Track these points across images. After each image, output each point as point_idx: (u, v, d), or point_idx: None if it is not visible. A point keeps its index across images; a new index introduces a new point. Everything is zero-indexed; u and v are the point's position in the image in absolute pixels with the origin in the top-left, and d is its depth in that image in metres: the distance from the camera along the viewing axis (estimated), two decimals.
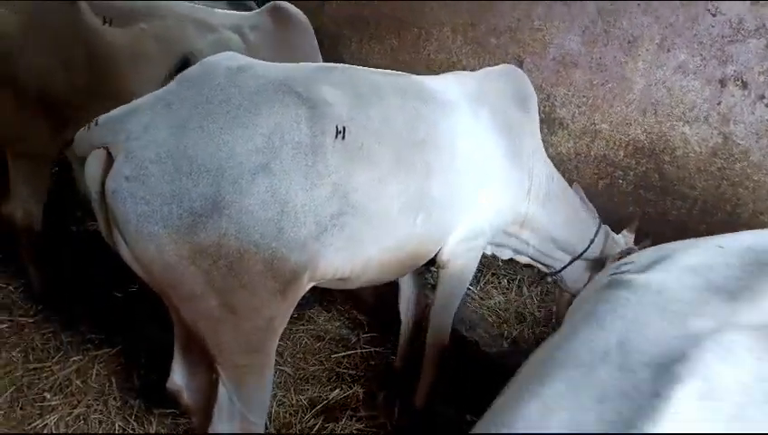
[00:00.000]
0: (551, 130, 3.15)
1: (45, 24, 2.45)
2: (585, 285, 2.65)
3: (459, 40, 3.51)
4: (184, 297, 1.60)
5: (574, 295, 2.73)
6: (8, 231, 2.88)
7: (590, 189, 3.03)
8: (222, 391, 1.77)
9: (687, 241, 1.31)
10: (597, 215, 2.61)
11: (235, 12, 3.08)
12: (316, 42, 3.17)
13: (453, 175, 2.03)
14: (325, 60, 3.42)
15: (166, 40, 2.63)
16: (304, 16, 3.12)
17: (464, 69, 3.54)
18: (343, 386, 2.93)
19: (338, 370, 3.05)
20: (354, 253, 1.83)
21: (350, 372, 3.03)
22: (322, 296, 3.39)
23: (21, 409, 2.67)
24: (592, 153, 3.06)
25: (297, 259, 1.67)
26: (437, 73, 3.68)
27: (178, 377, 1.99)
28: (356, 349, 3.18)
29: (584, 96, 3.01)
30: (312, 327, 3.33)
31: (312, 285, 1.84)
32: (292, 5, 3.07)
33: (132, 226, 1.47)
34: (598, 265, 2.62)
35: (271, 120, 1.60)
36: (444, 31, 3.58)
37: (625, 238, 2.65)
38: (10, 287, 3.30)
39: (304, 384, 2.93)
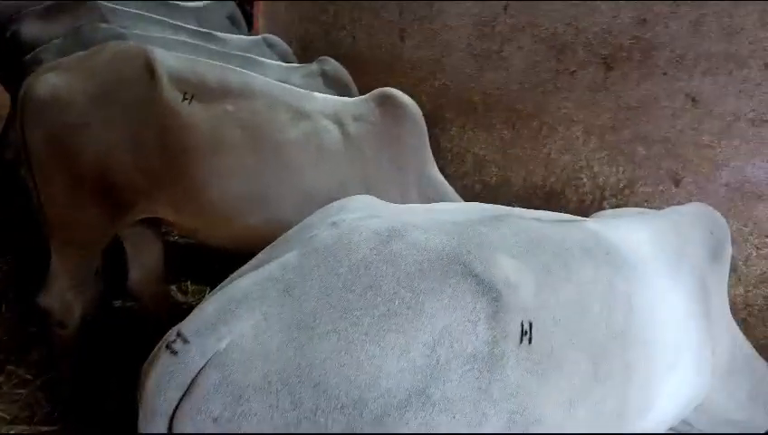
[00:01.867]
0: None
1: (118, 95, 2.02)
2: None
3: (593, 142, 2.92)
4: None
5: None
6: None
7: (761, 351, 2.33)
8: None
9: None
10: None
11: (336, 97, 2.61)
12: (428, 140, 2.65)
13: (652, 371, 1.42)
14: None
15: (252, 126, 2.16)
16: (418, 109, 2.61)
17: (595, 176, 2.95)
18: None
19: None
20: None
21: None
22: None
23: None
24: None
25: None
26: (558, 177, 3.13)
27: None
28: None
29: (767, 236, 2.35)
30: None
31: None
32: (405, 94, 2.57)
33: None
34: None
35: (438, 320, 1.02)
36: (572, 130, 3.01)
37: None
38: (37, 382, 2.80)
39: None
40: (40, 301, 2.32)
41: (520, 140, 3.30)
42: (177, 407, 0.90)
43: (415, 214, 1.22)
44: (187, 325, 0.95)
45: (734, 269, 2.48)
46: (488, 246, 1.18)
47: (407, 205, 1.35)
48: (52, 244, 2.22)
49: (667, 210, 1.82)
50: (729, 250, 1.86)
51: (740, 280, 2.44)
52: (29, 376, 2.80)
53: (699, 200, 2.50)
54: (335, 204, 1.23)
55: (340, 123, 2.39)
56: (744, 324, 2.45)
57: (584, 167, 2.99)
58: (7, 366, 2.83)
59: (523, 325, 1.11)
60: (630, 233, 1.59)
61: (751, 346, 2.02)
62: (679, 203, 2.59)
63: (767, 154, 2.30)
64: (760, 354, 2.09)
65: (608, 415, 1.26)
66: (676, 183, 2.59)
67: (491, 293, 1.08)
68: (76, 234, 2.19)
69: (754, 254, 2.39)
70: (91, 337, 2.72)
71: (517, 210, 1.48)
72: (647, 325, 1.42)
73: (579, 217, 1.61)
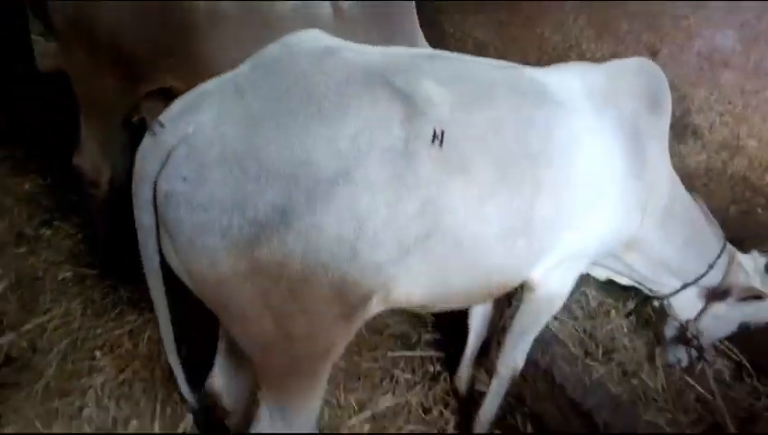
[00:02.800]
0: (680, 137, 2.66)
1: None
2: (699, 316, 2.33)
3: (581, 20, 3.02)
4: (235, 317, 1.36)
5: (683, 325, 2.37)
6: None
7: (718, 214, 2.55)
8: (263, 408, 1.56)
9: None
10: (722, 234, 2.25)
11: None
12: (416, 14, 2.79)
13: (565, 193, 1.68)
14: (424, 29, 3.04)
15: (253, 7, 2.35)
16: None
17: (582, 55, 3.06)
18: (396, 391, 2.70)
19: (393, 371, 2.82)
20: (437, 281, 1.53)
21: (406, 375, 2.79)
22: None
23: (72, 364, 2.63)
24: (729, 172, 2.55)
25: (370, 284, 1.40)
26: (550, 56, 3.24)
27: (219, 379, 1.80)
28: (416, 350, 2.93)
29: (731, 103, 2.49)
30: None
31: (381, 309, 1.57)
32: None
33: (185, 235, 1.23)
34: (718, 294, 2.25)
35: (360, 118, 1.29)
36: (564, 10, 3.09)
37: (755, 262, 2.26)
38: (78, 236, 3.27)
39: (355, 382, 2.72)
40: (74, 161, 2.69)
41: (516, 21, 3.39)
42: (158, 174, 1.23)
43: (358, 47, 1.46)
44: (164, 115, 1.26)
45: (699, 136, 2.64)
46: (415, 70, 1.43)
47: (361, 45, 1.57)
48: (81, 112, 2.56)
49: (609, 63, 1.97)
50: (668, 104, 2.01)
51: (704, 147, 2.61)
52: (72, 231, 3.28)
53: (673, 69, 2.62)
54: (289, 34, 1.47)
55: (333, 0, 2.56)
56: (705, 189, 2.65)
57: (573, 45, 3.10)
58: (54, 222, 3.30)
59: (435, 131, 1.38)
60: (564, 79, 1.79)
61: (692, 199, 2.22)
62: None
63: (734, 22, 2.39)
64: (718, 216, 2.30)
65: (515, 215, 1.54)
66: (654, 54, 2.70)
67: (406, 101, 1.34)
68: (98, 102, 2.51)
69: (718, 121, 2.54)
70: (121, 203, 3.14)
71: (467, 56, 1.69)
72: (563, 153, 1.65)
73: (522, 66, 1.81)
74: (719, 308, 2.28)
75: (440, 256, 1.48)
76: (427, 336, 3.03)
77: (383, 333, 3.02)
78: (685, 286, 2.27)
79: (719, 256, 2.24)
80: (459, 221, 1.46)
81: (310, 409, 1.57)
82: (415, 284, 1.50)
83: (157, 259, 1.31)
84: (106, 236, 3.00)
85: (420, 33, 2.84)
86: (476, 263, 1.53)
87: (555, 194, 1.64)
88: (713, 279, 2.26)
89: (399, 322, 3.11)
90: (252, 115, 1.24)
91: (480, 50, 3.68)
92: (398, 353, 2.90)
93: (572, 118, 1.69)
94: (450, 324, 2.86)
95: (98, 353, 2.68)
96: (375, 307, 1.51)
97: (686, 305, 2.34)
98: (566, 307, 2.99)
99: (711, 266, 2.23)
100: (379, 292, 1.44)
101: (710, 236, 2.25)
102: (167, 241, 1.27)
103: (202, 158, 1.20)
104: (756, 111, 2.40)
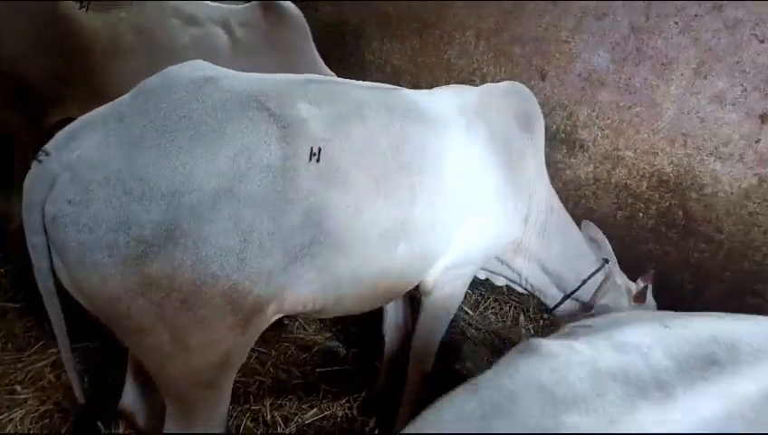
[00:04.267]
0: (570, 151, 2.92)
1: (22, 7, 2.32)
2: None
3: (482, 46, 3.28)
4: (131, 331, 1.45)
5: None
6: None
7: (607, 220, 2.82)
8: (168, 420, 1.63)
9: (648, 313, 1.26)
10: (601, 258, 2.37)
11: (223, 5, 2.89)
12: (312, 42, 2.97)
13: (441, 199, 1.84)
14: (346, 57, 3.23)
15: (145, 31, 2.47)
16: (300, 13, 2.91)
17: (485, 77, 3.32)
18: (323, 405, 2.80)
19: (321, 385, 2.91)
20: (326, 285, 1.66)
21: (333, 389, 2.89)
22: None
23: None
24: (613, 181, 2.82)
25: (261, 292, 1.51)
26: (456, 80, 3.49)
27: (130, 399, 1.86)
28: (343, 365, 3.04)
29: (609, 118, 2.77)
30: (300, 336, 3.20)
31: (278, 317, 1.68)
32: (288, 1, 2.86)
33: (74, 255, 1.32)
34: (586, 308, 2.39)
35: (237, 139, 1.43)
36: (467, 35, 3.36)
37: (638, 288, 2.38)
38: (1, 270, 3.23)
39: (282, 398, 2.80)
40: None
41: (426, 48, 3.63)
42: (45, 199, 1.32)
43: (236, 75, 1.60)
44: (49, 144, 1.36)
45: (585, 149, 2.91)
46: (289, 94, 1.59)
47: (240, 73, 1.71)
48: None
49: (484, 86, 2.18)
50: (540, 122, 2.20)
51: (590, 159, 2.88)
52: None
53: (560, 90, 2.89)
54: (171, 66, 1.59)
55: (227, 28, 2.70)
56: (594, 197, 2.91)
57: (476, 69, 3.35)
58: None
59: (312, 149, 1.53)
60: (440, 99, 1.98)
61: (568, 215, 2.37)
62: (546, 96, 2.99)
63: (608, 45, 2.68)
64: (605, 219, 2.52)
65: (393, 222, 1.70)
66: (543, 77, 2.98)
67: (281, 122, 1.49)
68: (4, 135, 2.54)
69: (600, 135, 2.81)
70: None
71: (342, 79, 1.86)
72: (436, 164, 1.82)
73: (401, 88, 1.99)
74: None
75: (326, 262, 1.61)
76: (354, 351, 3.14)
77: (312, 349, 3.13)
78: (564, 298, 2.38)
79: (592, 275, 2.33)
80: (341, 229, 1.60)
81: (213, 420, 1.65)
82: (306, 289, 1.62)
83: (51, 279, 1.39)
84: (23, 269, 3.00)
85: (320, 61, 3.01)
86: (361, 267, 1.67)
87: (430, 201, 1.80)
88: (585, 296, 2.36)
89: (328, 338, 3.22)
90: (133, 140, 1.35)
91: (397, 75, 3.90)
92: (325, 369, 3.01)
93: (444, 132, 1.87)
94: (377, 340, 2.98)
95: (18, 387, 2.66)
96: (271, 315, 1.62)
97: (567, 317, 2.43)
98: (483, 313, 3.18)
99: (584, 282, 2.33)
100: (272, 299, 1.56)
101: (587, 253, 2.37)
102: (58, 262, 1.36)
103: (86, 181, 1.31)
104: (630, 124, 2.69)
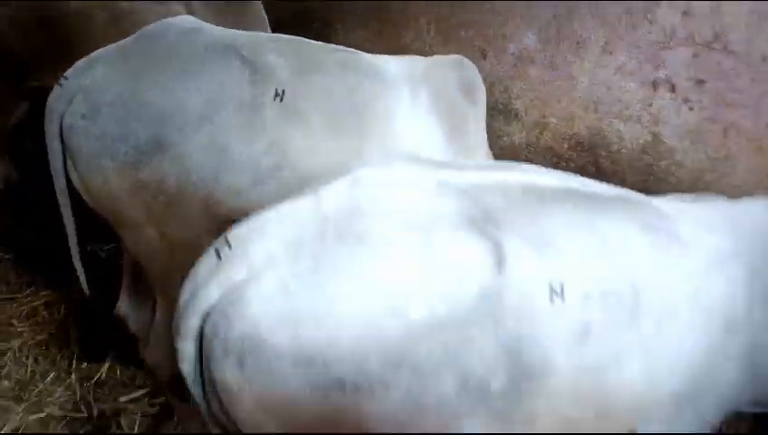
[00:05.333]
0: (506, 120, 3.36)
1: None
2: None
3: (433, 31, 3.71)
4: (126, 225, 1.83)
5: None
6: None
7: None
8: (158, 315, 1.99)
9: None
10: None
11: None
12: (267, 22, 3.33)
13: (388, 144, 2.24)
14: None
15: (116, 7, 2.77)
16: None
17: None
18: None
19: None
20: None
21: None
22: None
23: None
24: (541, 144, 3.27)
25: (232, 205, 1.89)
26: None
27: (124, 305, 2.22)
28: None
29: (537, 90, 3.22)
30: None
31: None
32: None
33: (84, 158, 1.70)
34: None
35: (216, 76, 1.83)
36: (420, 22, 3.78)
37: None
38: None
39: None
40: None
41: (385, 33, 4.05)
42: (63, 113, 1.70)
43: (218, 28, 2.00)
44: (68, 72, 1.74)
45: (519, 118, 3.36)
46: (261, 46, 1.99)
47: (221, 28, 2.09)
48: None
49: (431, 58, 2.60)
50: (482, 94, 2.61)
51: (523, 126, 3.33)
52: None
53: (498, 67, 3.34)
54: (169, 18, 1.98)
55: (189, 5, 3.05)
56: (527, 159, 3.35)
57: (428, 51, 3.78)
58: None
59: (277, 90, 1.92)
60: (393, 64, 2.39)
61: None
62: (486, 72, 3.42)
63: (535, 29, 3.13)
64: None
65: (345, 155, 2.09)
66: (484, 56, 3.42)
67: (252, 67, 1.89)
68: None
69: (530, 105, 3.26)
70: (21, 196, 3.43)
71: (307, 39, 2.25)
72: (386, 117, 2.23)
73: (358, 52, 2.38)
74: None
75: (289, 188, 2.00)
76: None
77: None
78: None
79: None
80: (300, 157, 1.99)
81: None
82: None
83: (64, 179, 1.77)
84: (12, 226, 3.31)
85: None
86: None
87: (380, 144, 2.20)
88: None
89: None
90: (135, 72, 1.75)
91: None
92: None
93: (394, 91, 2.28)
94: None
95: (15, 321, 2.98)
96: None
97: None
98: None
99: None
100: (241, 214, 1.93)
101: None
102: (70, 164, 1.73)
103: (96, 101, 1.69)
104: (553, 96, 3.14)
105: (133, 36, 1.88)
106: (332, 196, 1.19)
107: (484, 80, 3.34)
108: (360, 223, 1.11)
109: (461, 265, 1.11)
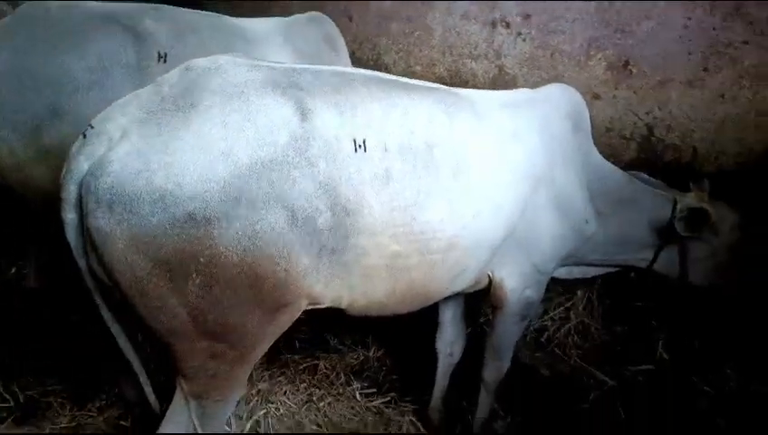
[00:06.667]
0: (379, 71, 3.74)
1: None
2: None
3: (296, 5, 3.99)
4: (36, 193, 1.97)
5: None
6: None
7: None
8: (178, 396, 1.66)
9: None
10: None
11: None
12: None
13: None
14: None
15: None
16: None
17: None
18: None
19: None
20: None
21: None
22: None
23: None
24: None
25: None
26: None
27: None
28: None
29: (401, 43, 3.62)
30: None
31: None
32: None
33: None
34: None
35: (100, 45, 2.01)
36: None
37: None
38: None
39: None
40: None
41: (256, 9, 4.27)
42: None
43: (96, 3, 2.18)
44: None
45: (389, 70, 3.74)
46: (140, 13, 2.18)
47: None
48: None
49: (293, 18, 2.89)
50: (342, 43, 2.95)
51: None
52: None
53: (364, 28, 3.70)
54: None
55: None
56: None
57: None
58: None
59: (159, 53, 2.14)
60: (258, 25, 2.67)
61: None
62: (354, 33, 3.78)
63: None
64: None
65: None
66: (350, 19, 3.76)
67: (133, 33, 2.09)
68: None
69: (396, 58, 3.66)
70: None
71: (184, 9, 2.47)
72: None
73: (227, 16, 2.63)
74: None
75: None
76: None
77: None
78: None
79: None
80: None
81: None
82: None
83: None
84: None
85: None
86: None
87: None
88: None
89: None
90: (25, 49, 1.89)
91: None
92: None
93: (260, 46, 2.56)
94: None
95: None
96: None
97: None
98: None
99: None
100: None
101: None
102: None
103: None
104: (415, 45, 3.56)
105: (13, 17, 2.00)
106: (168, 80, 1.49)
107: (354, 40, 3.73)
108: (192, 96, 1.41)
109: (270, 117, 1.43)
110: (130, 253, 1.34)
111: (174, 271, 1.37)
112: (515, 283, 2.05)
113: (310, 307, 1.66)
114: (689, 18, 2.80)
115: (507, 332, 2.20)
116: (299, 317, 1.67)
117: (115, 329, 1.59)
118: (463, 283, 1.94)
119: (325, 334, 3.05)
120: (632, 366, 2.82)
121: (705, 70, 2.84)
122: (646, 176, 2.45)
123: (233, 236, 1.37)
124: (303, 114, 1.47)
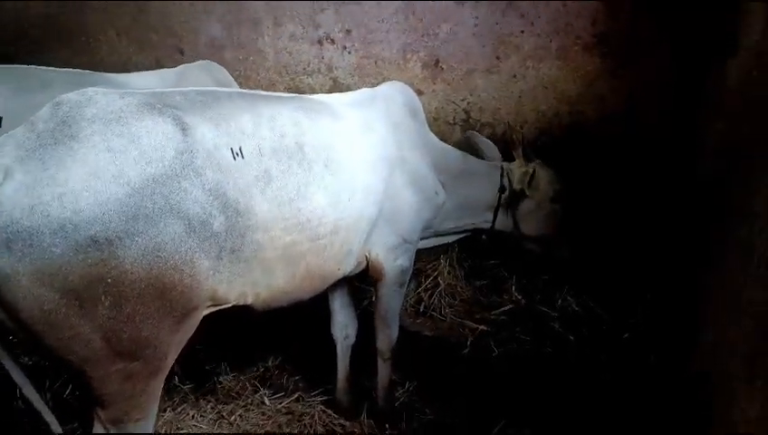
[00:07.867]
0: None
1: None
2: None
3: (125, 40, 3.97)
4: None
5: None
6: None
7: None
8: (97, 428, 1.67)
9: None
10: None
11: None
12: None
13: None
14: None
15: None
16: None
17: (135, 66, 4.02)
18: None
19: None
20: None
21: None
22: None
23: None
24: None
25: None
26: (115, 72, 4.09)
27: None
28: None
29: (237, 70, 3.80)
30: None
31: None
32: None
33: None
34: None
35: None
36: (109, 34, 4.00)
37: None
38: None
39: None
40: None
41: (78, 55, 4.14)
42: None
43: None
44: None
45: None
46: None
47: None
48: None
49: (180, 68, 3.00)
50: (235, 86, 3.11)
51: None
52: None
53: (193, 59, 3.81)
54: None
55: None
56: None
57: (127, 61, 4.03)
58: None
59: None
60: (142, 81, 2.74)
61: None
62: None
63: (216, 19, 3.69)
64: None
65: None
66: (182, 53, 3.85)
67: None
68: None
69: (235, 84, 3.83)
70: None
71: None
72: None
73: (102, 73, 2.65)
74: None
75: None
76: None
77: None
78: None
79: None
80: None
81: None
82: None
83: None
84: None
85: None
86: None
87: None
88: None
89: None
90: None
91: None
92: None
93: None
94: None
95: None
96: None
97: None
98: None
99: None
100: None
101: None
102: None
103: None
104: (252, 70, 3.77)
105: None
106: (40, 117, 1.51)
107: None
108: (70, 128, 1.46)
109: (153, 136, 1.53)
110: (36, 287, 1.37)
111: (83, 298, 1.42)
112: (389, 255, 2.37)
113: (215, 308, 1.79)
114: (477, 17, 3.41)
115: (390, 299, 2.51)
116: (191, 341, 1.76)
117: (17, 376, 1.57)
118: (349, 264, 2.20)
119: (221, 362, 3.07)
120: (496, 310, 3.34)
121: (498, 58, 3.47)
122: (478, 135, 3.04)
123: (136, 252, 1.46)
124: (184, 130, 1.61)
